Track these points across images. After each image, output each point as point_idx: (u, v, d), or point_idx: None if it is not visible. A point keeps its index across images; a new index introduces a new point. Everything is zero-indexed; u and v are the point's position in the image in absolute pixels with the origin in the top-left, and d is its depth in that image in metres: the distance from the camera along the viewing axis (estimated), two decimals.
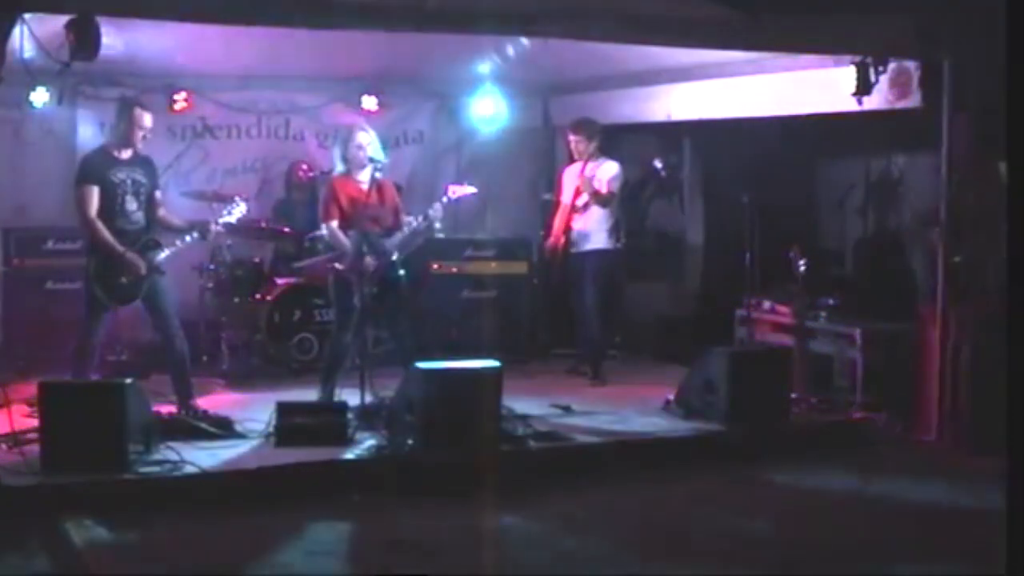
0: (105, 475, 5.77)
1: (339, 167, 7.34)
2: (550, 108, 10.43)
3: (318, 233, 8.10)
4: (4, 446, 6.14)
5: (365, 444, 6.46)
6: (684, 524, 5.76)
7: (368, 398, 6.83)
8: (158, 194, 7.18)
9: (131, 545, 5.27)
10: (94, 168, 6.93)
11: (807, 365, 7.63)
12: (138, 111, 6.95)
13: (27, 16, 5.71)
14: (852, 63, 7.06)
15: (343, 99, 9.70)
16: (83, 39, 5.66)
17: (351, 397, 6.88)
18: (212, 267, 8.56)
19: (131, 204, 6.97)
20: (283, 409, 6.56)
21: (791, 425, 7.23)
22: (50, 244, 8.56)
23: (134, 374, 6.72)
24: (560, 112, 10.12)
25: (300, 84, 9.54)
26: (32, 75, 6.39)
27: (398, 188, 7.83)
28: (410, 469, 6.18)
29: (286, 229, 8.92)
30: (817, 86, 7.63)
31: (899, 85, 7.17)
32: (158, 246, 7.07)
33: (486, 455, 6.14)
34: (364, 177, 7.22)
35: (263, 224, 8.90)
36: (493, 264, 9.48)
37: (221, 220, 7.40)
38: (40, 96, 7.79)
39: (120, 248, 6.84)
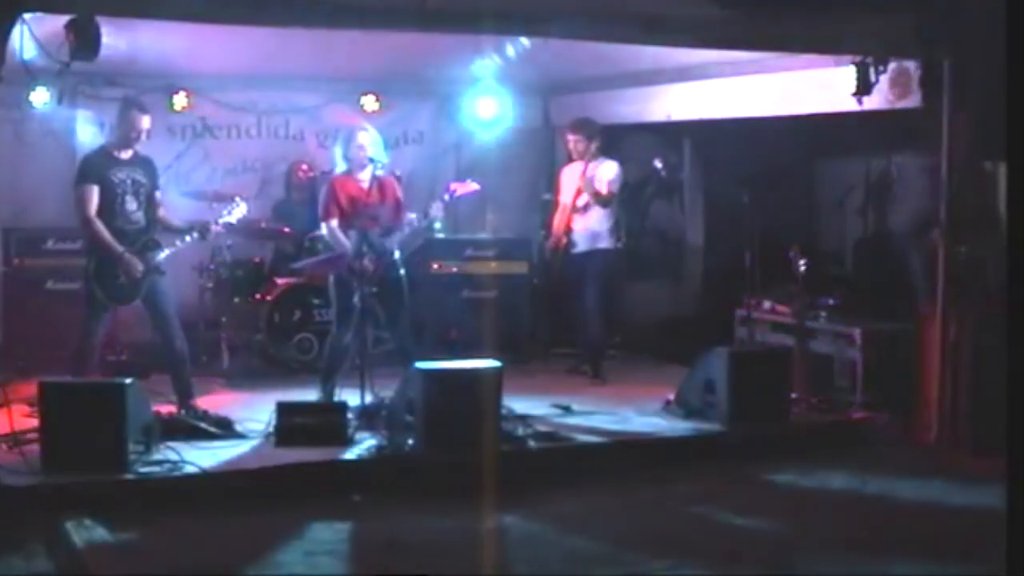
0: (105, 475, 5.78)
1: (340, 166, 7.34)
2: (550, 108, 10.44)
3: (318, 233, 8.10)
4: (4, 446, 6.14)
5: (365, 444, 6.46)
6: (684, 524, 5.77)
7: (368, 398, 6.83)
8: (158, 194, 7.19)
9: (131, 545, 5.26)
10: (94, 168, 6.94)
11: (807, 365, 7.63)
12: (134, 112, 6.96)
13: (27, 16, 5.70)
14: (852, 63, 7.06)
15: (343, 99, 9.70)
16: (83, 39, 5.65)
17: (351, 397, 6.89)
18: (212, 267, 8.58)
19: (131, 204, 6.98)
20: (283, 409, 6.56)
21: (791, 425, 7.22)
22: (50, 244, 8.55)
23: (134, 374, 6.71)
24: (560, 112, 10.12)
25: (300, 84, 9.54)
26: (32, 75, 6.37)
27: (398, 179, 7.82)
28: (410, 469, 6.19)
29: (286, 229, 8.92)
30: (817, 86, 7.63)
31: (899, 85, 7.17)
32: (158, 246, 7.07)
33: (486, 455, 6.14)
34: (365, 176, 7.23)
35: (263, 224, 8.91)
36: (493, 264, 9.47)
37: (221, 220, 7.40)
38: (40, 96, 7.79)
39: (119, 249, 6.84)
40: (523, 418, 6.92)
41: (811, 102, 7.79)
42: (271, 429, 6.55)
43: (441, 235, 9.46)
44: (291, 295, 8.68)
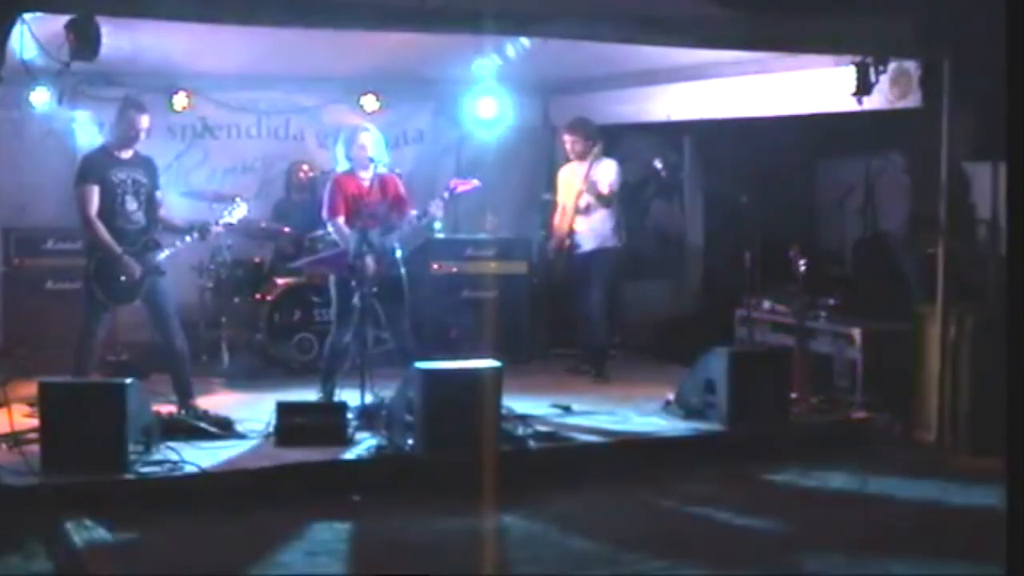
0: (105, 475, 5.78)
1: (343, 165, 7.35)
2: (550, 108, 10.43)
3: (318, 233, 8.11)
4: (4, 446, 6.14)
5: (365, 444, 6.46)
6: (684, 524, 5.77)
7: (368, 398, 6.83)
8: (158, 194, 7.19)
9: (131, 545, 5.26)
10: (94, 167, 6.94)
11: (807, 365, 7.63)
12: (133, 112, 6.97)
13: (27, 16, 5.70)
14: (852, 63, 7.06)
15: (343, 99, 9.70)
16: (83, 39, 5.64)
17: (351, 397, 6.88)
18: (212, 267, 8.58)
19: (131, 204, 6.98)
20: (283, 409, 6.56)
21: (791, 425, 7.22)
22: (50, 244, 8.56)
23: (134, 374, 6.71)
24: (560, 112, 10.11)
25: (300, 84, 9.53)
26: (32, 75, 6.37)
27: (399, 176, 7.82)
28: (410, 469, 6.19)
29: (286, 229, 8.92)
30: (817, 86, 7.64)
31: (899, 85, 7.17)
32: (158, 246, 7.08)
33: (486, 455, 6.13)
34: (366, 175, 7.24)
35: (263, 224, 8.91)
36: (493, 264, 9.47)
37: (221, 220, 7.40)
38: (40, 96, 7.78)
39: (118, 249, 6.85)
40: (523, 418, 6.92)
41: (811, 102, 7.79)
42: (271, 429, 6.55)
43: (441, 235, 9.47)
44: (291, 295, 8.68)
